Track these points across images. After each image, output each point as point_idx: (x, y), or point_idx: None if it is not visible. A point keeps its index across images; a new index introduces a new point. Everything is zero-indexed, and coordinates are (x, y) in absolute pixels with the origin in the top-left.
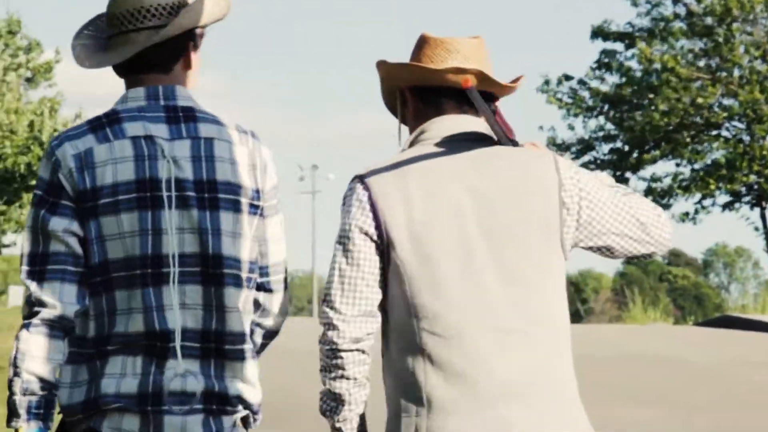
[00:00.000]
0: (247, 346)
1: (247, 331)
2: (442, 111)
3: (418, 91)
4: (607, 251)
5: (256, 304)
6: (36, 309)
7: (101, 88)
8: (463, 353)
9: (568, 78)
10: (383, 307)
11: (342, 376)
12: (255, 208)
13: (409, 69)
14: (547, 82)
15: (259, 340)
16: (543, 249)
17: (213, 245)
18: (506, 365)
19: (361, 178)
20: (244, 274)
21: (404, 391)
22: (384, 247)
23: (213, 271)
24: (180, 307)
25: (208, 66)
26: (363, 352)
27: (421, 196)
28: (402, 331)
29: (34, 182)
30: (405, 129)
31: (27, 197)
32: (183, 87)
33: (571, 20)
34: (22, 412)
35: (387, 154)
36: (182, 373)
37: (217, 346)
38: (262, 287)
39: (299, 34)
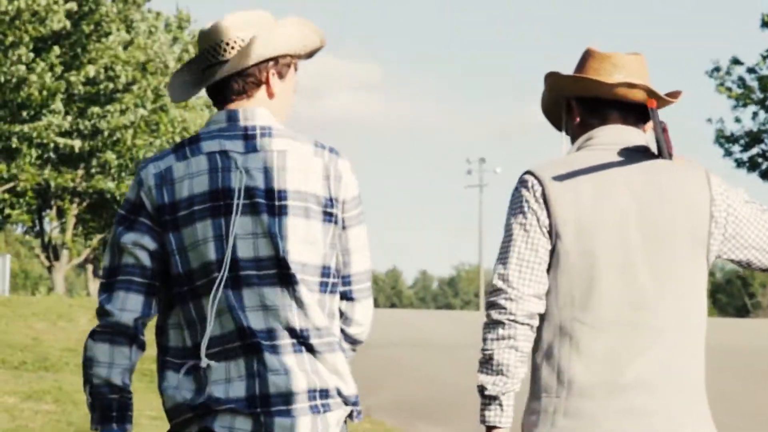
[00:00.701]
0: (334, 339)
1: (331, 326)
2: (606, 121)
3: (584, 102)
4: (746, 264)
5: (339, 313)
6: (101, 318)
7: None
8: (607, 345)
9: (737, 62)
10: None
11: (512, 347)
12: (330, 216)
13: (580, 81)
14: (717, 69)
15: (344, 346)
16: (688, 257)
17: (282, 249)
18: (643, 359)
19: (534, 174)
20: (316, 278)
21: (549, 372)
22: (553, 239)
23: (285, 272)
24: (262, 309)
25: (368, 59)
26: (532, 328)
27: (590, 197)
28: (555, 317)
29: None
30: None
31: None
32: (265, 110)
33: (745, 7)
34: (96, 416)
35: (553, 147)
36: (283, 371)
37: (305, 342)
38: (344, 296)
39: (464, 25)
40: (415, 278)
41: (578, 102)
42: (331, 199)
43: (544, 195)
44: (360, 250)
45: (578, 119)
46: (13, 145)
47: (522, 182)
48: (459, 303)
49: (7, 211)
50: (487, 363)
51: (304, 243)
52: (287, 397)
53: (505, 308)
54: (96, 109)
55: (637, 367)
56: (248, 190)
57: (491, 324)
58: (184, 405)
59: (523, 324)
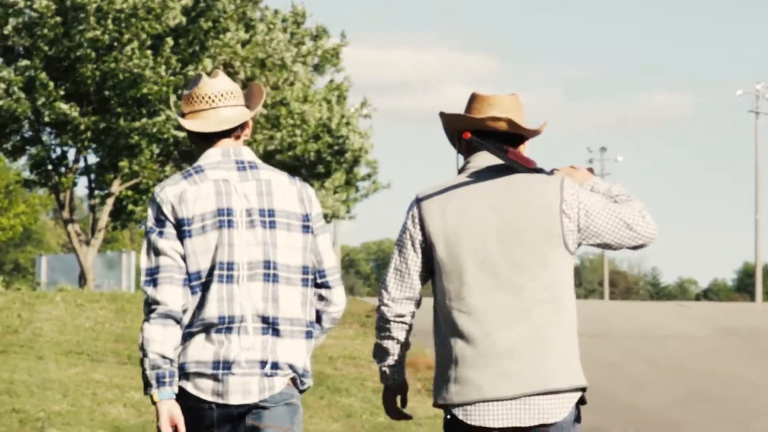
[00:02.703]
0: (303, 328)
1: (305, 316)
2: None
3: (464, 133)
4: (606, 246)
5: (321, 298)
6: (152, 307)
7: (385, 76)
8: (479, 325)
9: None
10: (434, 292)
11: (388, 337)
12: (306, 228)
13: (460, 118)
14: None
15: (325, 324)
16: (545, 248)
17: (271, 254)
18: (509, 333)
19: (417, 200)
20: (298, 276)
21: (442, 350)
22: (428, 250)
23: (272, 272)
24: (247, 300)
25: (481, 50)
26: (404, 322)
27: (454, 212)
28: (441, 310)
29: (323, 170)
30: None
31: (317, 185)
32: (246, 147)
33: None
34: (153, 382)
35: (676, 136)
36: (246, 347)
37: (273, 327)
38: (323, 285)
39: (580, 13)
40: None
41: (462, 133)
42: (306, 216)
43: (420, 216)
44: (328, 250)
45: (465, 147)
46: (133, 142)
47: (409, 207)
48: (583, 292)
49: (131, 207)
50: (375, 347)
51: (289, 249)
52: (243, 364)
53: (382, 311)
54: None
55: (506, 340)
56: (247, 211)
57: (377, 319)
58: (180, 364)
59: (394, 321)
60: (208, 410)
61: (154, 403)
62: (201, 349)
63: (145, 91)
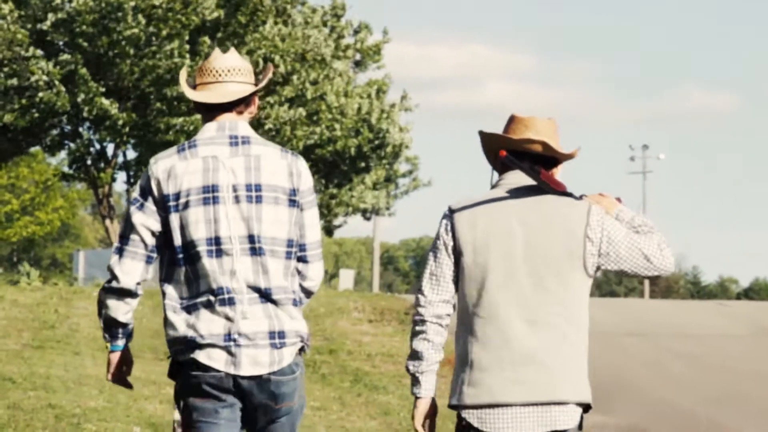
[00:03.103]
0: (292, 295)
1: (290, 285)
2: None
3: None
4: (623, 274)
5: (298, 271)
6: (110, 279)
7: (427, 72)
8: (497, 332)
9: None
10: (458, 298)
11: (425, 339)
12: (293, 203)
13: (498, 138)
14: None
15: (302, 297)
16: (566, 268)
17: (255, 228)
18: (525, 342)
19: (450, 211)
20: (282, 249)
21: (461, 354)
22: (458, 257)
23: (258, 246)
24: (232, 273)
25: (520, 48)
26: (441, 325)
27: (483, 224)
28: (463, 315)
29: (363, 165)
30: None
31: (357, 180)
32: (244, 122)
33: None
34: (107, 336)
35: (714, 134)
36: (250, 317)
37: (268, 297)
38: (301, 259)
39: (621, 10)
40: None
41: (499, 152)
42: (293, 190)
43: (452, 226)
44: (313, 226)
45: (500, 164)
46: (172, 138)
47: (443, 216)
48: (623, 290)
49: None
50: (411, 352)
51: (274, 223)
52: (252, 335)
53: (419, 312)
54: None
55: (522, 349)
56: (234, 186)
57: (413, 323)
58: (179, 338)
59: (432, 323)
60: (224, 379)
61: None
62: (209, 323)
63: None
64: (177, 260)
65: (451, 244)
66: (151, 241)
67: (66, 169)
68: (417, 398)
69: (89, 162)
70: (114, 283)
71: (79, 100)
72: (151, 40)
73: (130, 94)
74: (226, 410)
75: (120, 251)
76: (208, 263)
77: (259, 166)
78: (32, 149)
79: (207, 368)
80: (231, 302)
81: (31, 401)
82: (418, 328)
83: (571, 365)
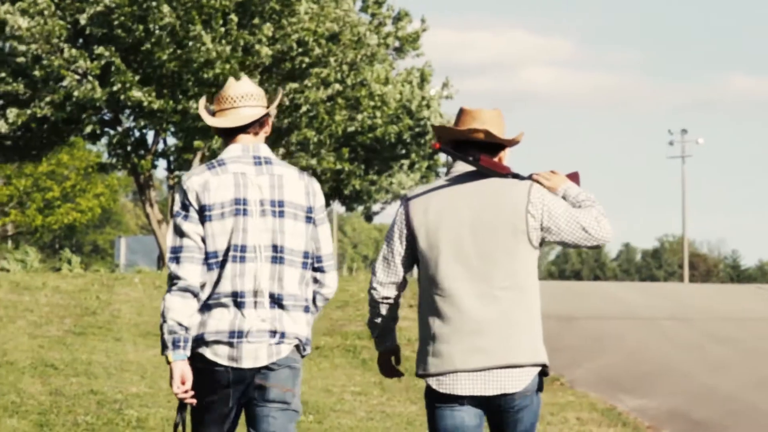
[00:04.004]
0: (303, 303)
1: (302, 293)
2: (466, 154)
3: (454, 143)
4: (564, 245)
5: (315, 280)
6: (174, 281)
7: (467, 59)
8: (453, 306)
9: None
10: (418, 278)
11: (377, 314)
12: (309, 219)
13: (447, 130)
14: None
15: (318, 303)
16: (510, 242)
17: (278, 240)
18: (479, 314)
19: (406, 199)
20: (299, 259)
21: (423, 328)
22: (412, 242)
23: (279, 255)
24: (254, 279)
25: (558, 33)
26: (390, 302)
27: (434, 209)
28: (423, 293)
29: (403, 152)
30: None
31: (396, 166)
32: (264, 144)
33: None
34: (170, 345)
35: (755, 120)
36: (255, 319)
37: (278, 302)
38: (319, 269)
39: None
40: (619, 250)
41: (450, 143)
42: (310, 208)
43: (406, 213)
44: (326, 239)
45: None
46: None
47: (399, 205)
48: (663, 274)
49: None
50: (368, 323)
51: (293, 236)
52: (254, 334)
53: (372, 293)
54: (294, 85)
55: (476, 320)
56: (261, 201)
57: (369, 300)
58: (203, 333)
59: (382, 303)
60: (224, 373)
61: (168, 363)
62: (218, 321)
63: (218, 71)
64: (208, 264)
65: (405, 230)
66: (202, 245)
67: (106, 157)
68: (381, 350)
69: (129, 149)
70: (179, 283)
71: (114, 89)
72: (187, 28)
73: (168, 82)
74: (230, 400)
75: (177, 259)
76: (231, 267)
77: (281, 185)
78: (72, 138)
79: (210, 362)
80: (243, 305)
81: (73, 387)
82: (371, 306)
83: (523, 330)
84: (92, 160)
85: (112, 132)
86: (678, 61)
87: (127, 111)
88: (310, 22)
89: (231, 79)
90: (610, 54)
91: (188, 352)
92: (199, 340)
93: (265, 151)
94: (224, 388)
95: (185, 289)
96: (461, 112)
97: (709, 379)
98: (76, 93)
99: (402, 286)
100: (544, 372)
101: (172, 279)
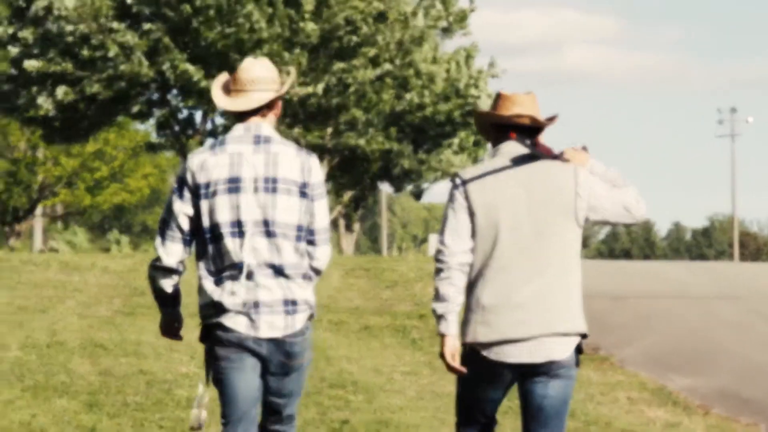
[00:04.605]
0: (302, 270)
1: (300, 262)
2: (508, 138)
3: (496, 126)
4: (605, 223)
5: (308, 253)
6: (155, 259)
7: (513, 38)
8: (504, 280)
9: None
10: (473, 251)
11: (450, 284)
12: (304, 194)
13: (490, 116)
14: None
15: (311, 274)
16: (561, 221)
17: (270, 214)
18: (527, 287)
19: (462, 180)
20: (293, 232)
21: (472, 298)
22: (471, 215)
23: (272, 230)
24: (253, 251)
25: (604, 12)
26: (462, 271)
27: (491, 189)
28: (476, 264)
29: (452, 130)
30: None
31: (445, 144)
32: (268, 124)
33: None
34: (158, 303)
35: None
36: (265, 288)
37: (281, 272)
38: (311, 242)
39: None
40: (669, 229)
41: (492, 126)
42: (304, 183)
43: (465, 192)
44: (321, 213)
45: (494, 137)
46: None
47: (454, 186)
48: (713, 253)
49: None
50: (436, 294)
51: (287, 210)
52: (270, 304)
53: (443, 260)
54: (341, 65)
55: (523, 292)
56: (255, 178)
57: (437, 270)
58: (208, 304)
59: (455, 269)
60: (245, 339)
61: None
62: (232, 292)
63: (266, 50)
64: (206, 239)
65: (466, 205)
66: (187, 226)
67: (154, 136)
68: (444, 336)
69: (177, 129)
70: (159, 263)
71: (164, 68)
72: (234, 8)
73: (215, 61)
74: (250, 360)
75: (162, 235)
76: (230, 242)
77: (276, 162)
78: (120, 118)
79: (231, 330)
80: (249, 276)
81: (123, 367)
82: (443, 274)
83: (567, 303)
84: (140, 140)
85: (159, 111)
86: (725, 38)
87: (175, 90)
88: (359, 3)
89: (246, 62)
90: (657, 32)
91: (174, 307)
92: (219, 310)
93: (267, 130)
94: (245, 352)
95: (164, 270)
96: (499, 97)
97: (759, 358)
98: (123, 67)
99: (471, 255)
100: (579, 348)
101: (156, 255)
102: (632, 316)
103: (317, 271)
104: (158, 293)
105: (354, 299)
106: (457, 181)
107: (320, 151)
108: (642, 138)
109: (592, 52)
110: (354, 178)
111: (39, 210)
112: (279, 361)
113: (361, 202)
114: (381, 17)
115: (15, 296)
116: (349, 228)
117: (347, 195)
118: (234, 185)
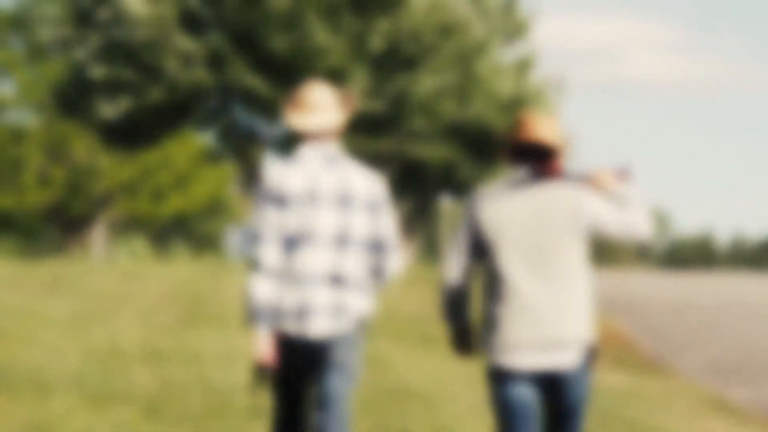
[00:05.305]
0: (362, 282)
1: (361, 273)
2: (522, 161)
3: (511, 150)
4: (606, 238)
5: (375, 263)
6: (255, 264)
7: (572, 45)
8: (511, 291)
9: None
10: (485, 268)
11: (449, 299)
12: (371, 210)
13: (513, 137)
14: None
15: (377, 283)
16: (564, 239)
17: (344, 229)
18: (534, 298)
19: (474, 199)
20: (362, 245)
21: (486, 311)
22: (480, 235)
23: (343, 241)
24: (324, 260)
25: (667, 20)
26: (461, 291)
27: (501, 208)
28: (488, 281)
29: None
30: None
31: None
32: (333, 144)
33: None
34: (253, 319)
35: None
36: (319, 295)
37: (340, 281)
38: (379, 254)
39: None
40: (730, 240)
41: (508, 150)
42: (372, 201)
43: (475, 210)
44: (387, 227)
45: (509, 159)
46: None
47: (468, 204)
48: None
49: None
50: (440, 309)
51: (357, 225)
52: (319, 308)
53: (443, 281)
54: (402, 75)
55: (531, 303)
56: (328, 193)
57: (440, 287)
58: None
59: (453, 288)
60: (296, 340)
61: (252, 332)
62: (290, 297)
63: (331, 62)
64: (283, 249)
65: (474, 225)
66: (279, 231)
67: (215, 145)
68: (454, 331)
69: (238, 138)
70: (257, 267)
71: (226, 77)
72: (299, 15)
73: (279, 70)
74: (300, 363)
75: (257, 241)
76: (303, 251)
77: (347, 179)
78: (181, 126)
79: (284, 333)
80: (310, 281)
81: (183, 376)
82: (444, 292)
83: (572, 313)
84: (201, 149)
85: (220, 121)
86: None
87: (236, 99)
88: (424, 15)
89: (308, 85)
90: (720, 41)
91: (267, 322)
92: (276, 314)
93: (335, 151)
94: (296, 355)
95: (264, 270)
96: (522, 120)
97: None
98: (183, 77)
99: (469, 273)
100: (592, 354)
101: (255, 261)
102: (693, 327)
103: (384, 281)
104: (255, 306)
105: (413, 308)
106: (470, 201)
107: (381, 160)
108: (707, 148)
109: (655, 59)
110: (415, 188)
111: (99, 218)
112: (325, 359)
113: (423, 212)
114: (445, 30)
115: (75, 304)
116: (409, 238)
117: (407, 205)
118: (310, 198)
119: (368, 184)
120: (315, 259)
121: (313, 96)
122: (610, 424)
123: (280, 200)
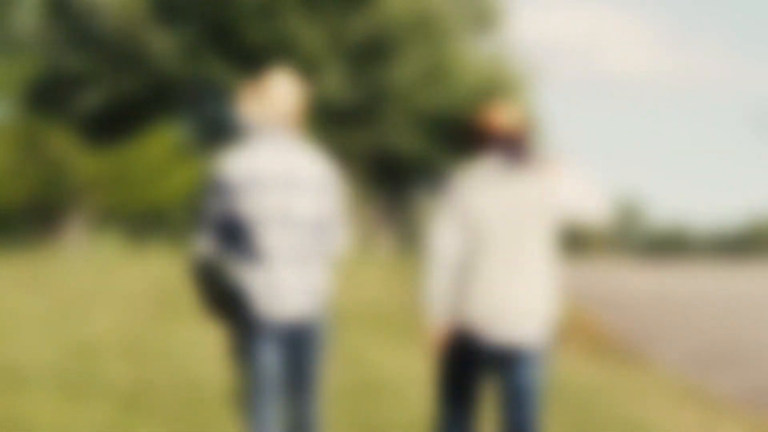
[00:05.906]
0: (318, 257)
1: (312, 252)
2: (491, 148)
3: (480, 137)
4: (576, 224)
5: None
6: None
7: (550, 38)
8: (487, 274)
9: None
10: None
11: (438, 277)
12: (318, 190)
13: (482, 125)
14: None
15: (326, 262)
16: (534, 224)
17: (299, 212)
18: (507, 283)
19: (450, 183)
20: (312, 224)
21: (459, 289)
22: (458, 217)
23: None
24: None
25: (644, 14)
26: (450, 263)
27: (477, 193)
28: (463, 264)
29: None
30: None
31: None
32: (288, 131)
33: None
34: None
35: None
36: (285, 275)
37: (302, 260)
38: (324, 232)
39: None
40: (706, 230)
41: (477, 137)
42: (325, 181)
43: (454, 193)
44: (335, 206)
45: (478, 146)
46: None
47: (444, 190)
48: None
49: None
50: (426, 289)
51: (313, 208)
52: (289, 288)
53: (435, 253)
54: (378, 66)
55: (504, 288)
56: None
57: (429, 263)
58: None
59: (443, 262)
60: (269, 322)
61: None
62: (257, 278)
63: (307, 54)
64: (233, 233)
65: (454, 206)
66: (221, 218)
67: (189, 139)
68: (437, 321)
69: (212, 131)
70: (197, 254)
71: (200, 69)
72: (275, 5)
73: (254, 61)
74: (274, 343)
75: (197, 228)
76: (260, 237)
77: (294, 161)
78: (155, 118)
79: (258, 312)
80: (274, 263)
81: (160, 370)
82: (434, 267)
83: (537, 293)
84: (177, 142)
85: (195, 113)
86: None
87: (211, 91)
88: (400, 6)
89: (272, 75)
90: (698, 35)
91: None
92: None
93: (285, 137)
94: (269, 334)
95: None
96: (487, 109)
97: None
98: (157, 68)
99: (457, 250)
100: (548, 339)
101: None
102: (668, 317)
103: (333, 257)
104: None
105: (390, 299)
106: (446, 187)
107: (357, 154)
108: (691, 138)
109: (633, 52)
110: (391, 180)
111: (75, 213)
112: (301, 339)
113: (399, 204)
114: (418, 21)
115: (51, 299)
116: (385, 230)
117: (384, 197)
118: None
119: (315, 166)
120: (270, 241)
121: (268, 84)
122: (584, 415)
123: (226, 187)
